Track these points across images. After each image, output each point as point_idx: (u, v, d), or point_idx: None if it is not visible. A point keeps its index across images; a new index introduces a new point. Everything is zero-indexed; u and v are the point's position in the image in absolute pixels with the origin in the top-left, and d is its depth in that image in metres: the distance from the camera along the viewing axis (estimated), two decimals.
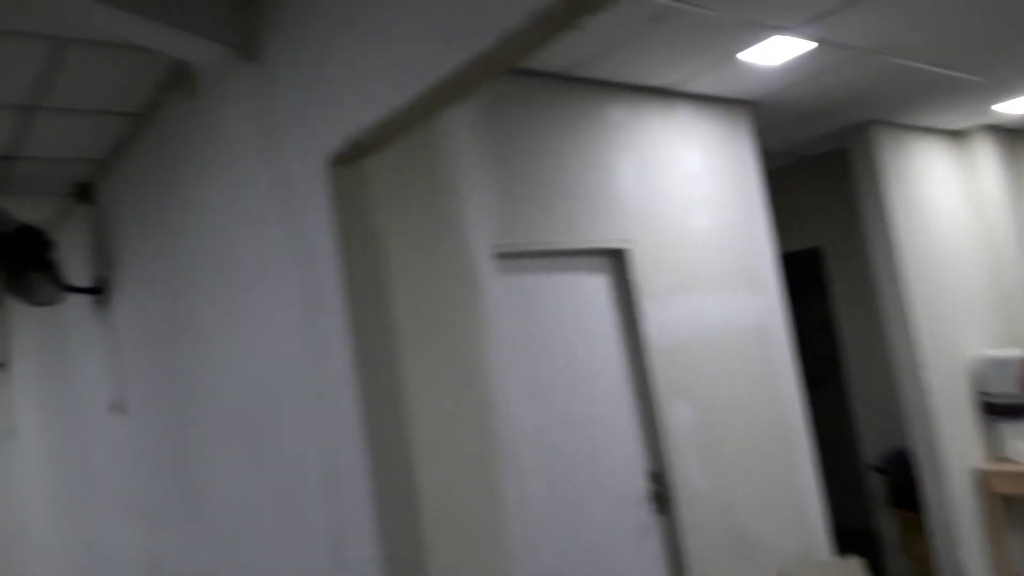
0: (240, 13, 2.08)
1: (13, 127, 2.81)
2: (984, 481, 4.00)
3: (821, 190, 5.01)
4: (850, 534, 4.44)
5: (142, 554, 3.42)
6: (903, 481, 4.32)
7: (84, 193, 3.60)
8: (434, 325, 2.16)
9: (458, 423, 2.15)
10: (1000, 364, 4.10)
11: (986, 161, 4.45)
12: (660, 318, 2.74)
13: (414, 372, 2.08)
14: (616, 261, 2.75)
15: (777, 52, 2.79)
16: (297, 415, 2.12)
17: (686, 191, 3.02)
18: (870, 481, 4.83)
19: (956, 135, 4.51)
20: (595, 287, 2.68)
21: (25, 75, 2.40)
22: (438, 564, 1.95)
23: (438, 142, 2.32)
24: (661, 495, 2.64)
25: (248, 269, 2.29)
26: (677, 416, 2.71)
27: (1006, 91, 3.76)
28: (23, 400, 5.89)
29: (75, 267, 3.70)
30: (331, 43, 1.83)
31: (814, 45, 2.77)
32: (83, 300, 3.71)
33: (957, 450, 3.93)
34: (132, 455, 3.47)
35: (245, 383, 2.40)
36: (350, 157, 1.89)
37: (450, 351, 2.18)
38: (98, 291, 3.58)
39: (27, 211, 3.58)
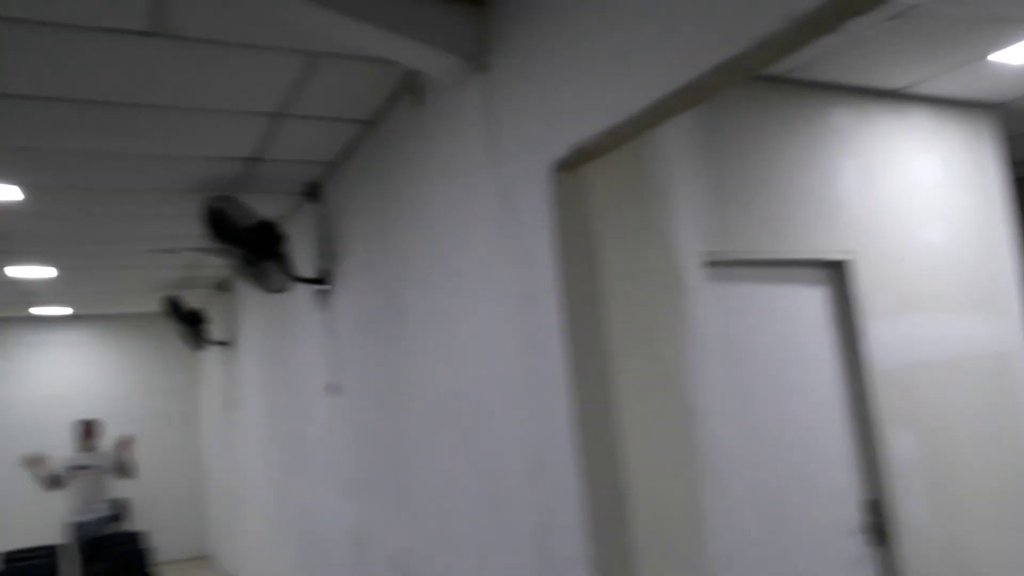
0: (472, 25, 2.18)
1: (263, 133, 3.15)
2: None
3: None
4: None
5: (348, 524, 3.71)
6: None
7: (312, 192, 3.97)
8: (640, 331, 2.14)
9: (661, 430, 2.12)
10: None
11: None
12: (884, 338, 2.55)
13: (621, 376, 2.08)
14: (835, 273, 2.59)
15: None
16: (505, 408, 2.20)
17: (917, 200, 2.77)
18: None
19: None
20: (810, 300, 2.54)
21: (280, 85, 2.68)
22: (643, 568, 1.94)
23: (648, 145, 2.30)
24: (878, 527, 2.45)
25: (464, 268, 2.41)
26: (900, 445, 2.50)
27: None
28: (246, 375, 6.59)
29: (301, 259, 4.07)
30: (561, 52, 1.87)
31: None
32: (306, 289, 4.09)
33: None
34: (344, 433, 3.77)
35: (455, 374, 2.53)
36: (573, 163, 1.92)
37: (655, 358, 2.16)
38: (321, 282, 3.92)
39: (263, 207, 4.00)
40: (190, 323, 6.66)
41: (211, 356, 7.89)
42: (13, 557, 5.91)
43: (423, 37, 2.09)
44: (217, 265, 6.22)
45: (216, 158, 3.47)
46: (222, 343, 7.03)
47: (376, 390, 3.36)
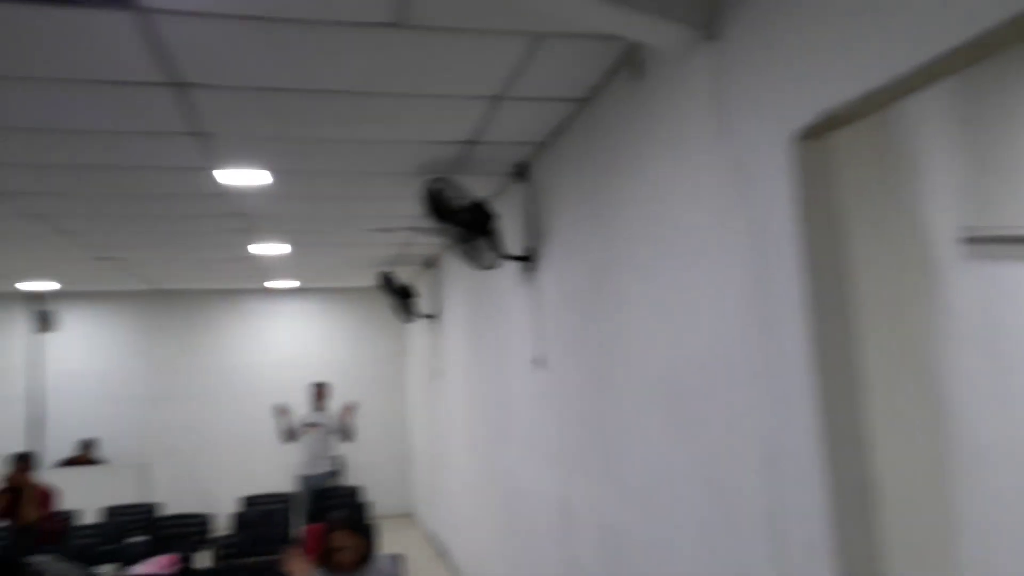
0: None
1: (481, 116, 3.27)
2: None
3: None
4: None
5: (554, 495, 3.81)
6: None
7: (521, 172, 4.08)
8: (888, 314, 1.98)
9: (910, 422, 1.95)
10: None
11: None
12: None
13: (867, 362, 1.93)
14: None
15: None
16: (732, 390, 2.13)
17: None
18: None
19: None
20: None
21: (502, 68, 2.76)
22: (890, 564, 1.81)
23: (898, 110, 2.10)
24: None
25: (685, 245, 2.36)
26: None
27: None
28: (449, 347, 6.97)
29: (508, 237, 4.21)
30: (808, 12, 1.75)
31: None
32: (512, 266, 4.22)
33: None
34: (548, 406, 3.87)
35: (671, 354, 2.49)
36: (819, 131, 1.80)
37: (905, 344, 1.99)
38: (527, 259, 4.03)
39: (474, 188, 4.16)
40: (401, 297, 7.15)
41: (418, 328, 8.42)
42: (253, 501, 6.71)
43: (652, 9, 2.05)
44: (426, 243, 6.61)
45: (436, 142, 3.67)
46: (428, 316, 7.48)
47: (582, 365, 3.40)
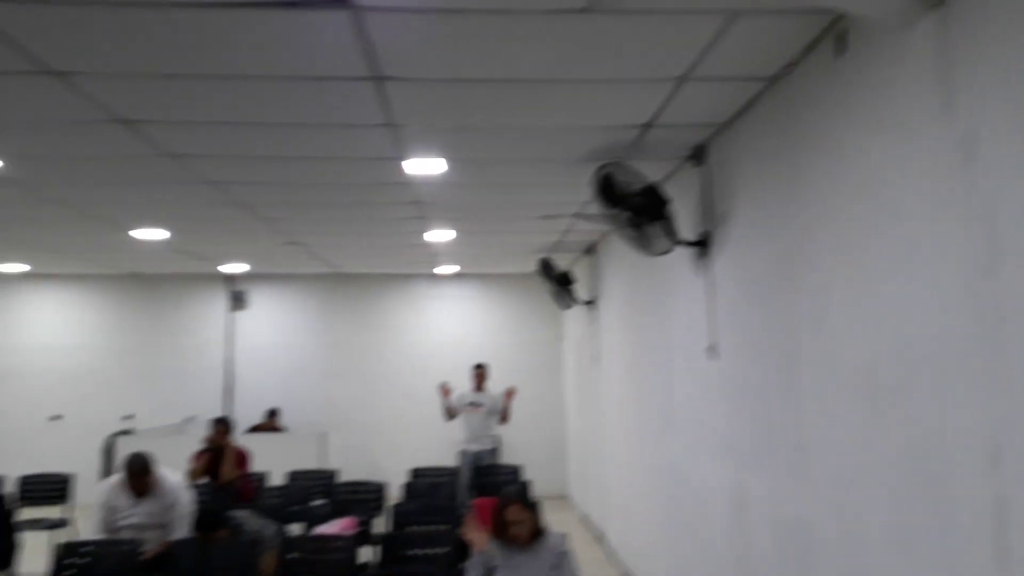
0: None
1: (663, 98, 3.24)
2: None
3: None
4: None
5: (725, 485, 3.73)
6: None
7: (698, 155, 3.99)
8: None
9: None
10: None
11: None
12: None
13: None
14: None
15: None
16: (948, 383, 1.99)
17: None
18: None
19: None
20: None
21: (691, 48, 2.72)
22: None
23: None
24: None
25: (900, 228, 2.21)
26: None
27: None
28: (607, 333, 6.97)
29: (680, 222, 4.14)
30: None
31: None
32: (683, 252, 4.15)
33: None
34: (720, 396, 3.79)
35: (873, 342, 2.36)
36: None
37: None
38: (701, 244, 3.95)
39: (646, 172, 4.12)
40: (560, 283, 7.24)
41: (575, 314, 8.49)
42: (418, 472, 7.06)
43: None
44: (587, 230, 6.65)
45: (613, 127, 3.67)
46: (587, 302, 7.52)
47: (761, 354, 3.30)
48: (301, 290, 10.05)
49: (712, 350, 3.86)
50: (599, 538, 7.34)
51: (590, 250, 7.62)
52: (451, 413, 7.78)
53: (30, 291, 9.79)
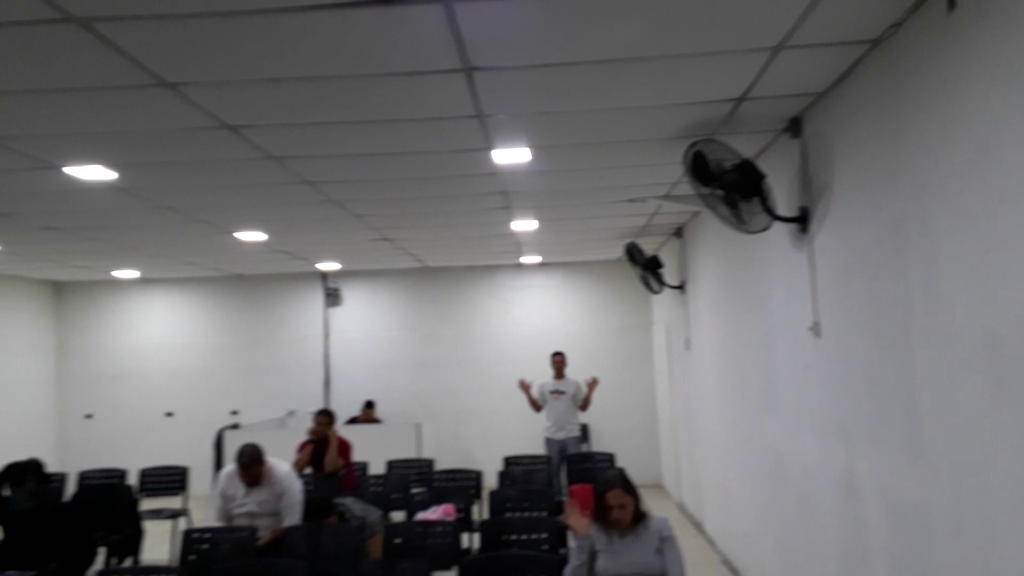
0: None
1: (757, 70, 3.14)
2: None
3: None
4: None
5: (832, 469, 3.61)
6: None
7: (793, 127, 3.86)
8: None
9: None
10: None
11: None
12: None
13: None
14: None
15: None
16: None
17: None
18: None
19: None
20: None
21: (787, 16, 2.63)
22: None
23: None
24: None
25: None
26: None
27: None
28: (698, 316, 6.85)
29: (776, 198, 4.02)
30: None
31: None
32: (780, 228, 4.02)
33: None
34: (826, 375, 3.66)
35: (999, 314, 2.23)
36: None
37: None
38: (800, 220, 3.83)
39: (738, 147, 4.02)
40: (648, 268, 7.15)
41: (664, 299, 8.37)
42: (511, 460, 7.14)
43: None
44: (674, 212, 6.54)
45: (702, 102, 3.60)
46: (676, 287, 7.40)
47: (869, 329, 3.17)
48: (391, 285, 10.31)
49: (816, 328, 3.74)
50: (697, 526, 7.24)
51: (678, 233, 7.50)
52: (536, 405, 7.85)
53: (142, 295, 10.42)
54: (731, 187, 3.70)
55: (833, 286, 3.55)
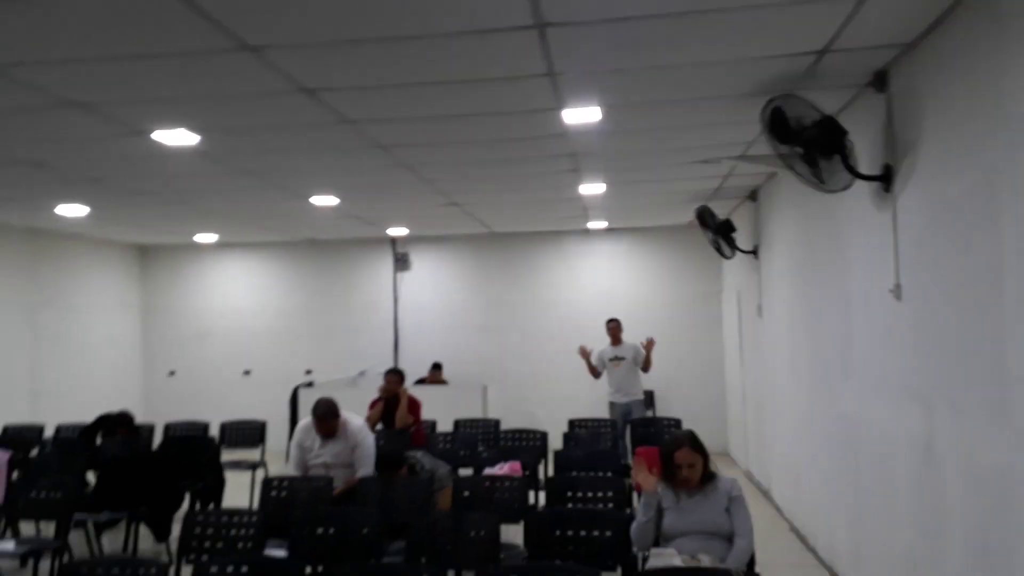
0: None
1: (842, 18, 3.01)
2: None
3: None
4: None
5: (912, 436, 3.51)
6: None
7: (878, 81, 3.70)
8: None
9: None
10: None
11: None
12: None
13: None
14: None
15: None
16: None
17: None
18: None
19: None
20: None
21: None
22: None
23: None
24: None
25: None
26: None
27: None
28: (772, 281, 6.70)
29: (858, 155, 3.87)
30: None
31: None
32: (861, 187, 3.88)
33: None
34: (908, 337, 3.54)
35: None
36: None
37: None
38: (883, 178, 3.68)
39: (820, 102, 3.88)
40: (720, 232, 7.01)
41: (736, 265, 8.21)
42: (575, 423, 7.19)
43: None
44: (748, 173, 6.38)
45: (782, 56, 3.48)
46: (749, 251, 7.25)
47: (955, 291, 3.05)
48: (458, 251, 10.42)
49: (897, 290, 3.62)
50: (764, 494, 7.17)
51: (752, 196, 7.31)
52: (595, 372, 7.90)
53: (221, 259, 10.84)
54: (811, 145, 3.60)
55: (917, 247, 3.42)
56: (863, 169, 3.72)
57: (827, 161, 3.61)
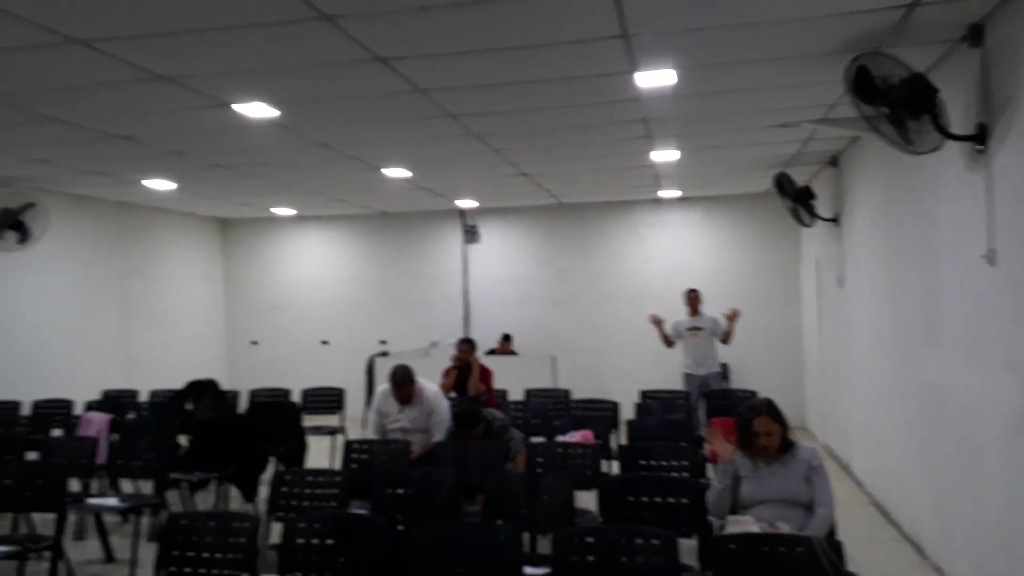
0: None
1: None
2: None
3: None
4: None
5: (1004, 406, 3.36)
6: None
7: (972, 35, 3.50)
8: None
9: None
10: None
11: None
12: None
13: None
14: None
15: None
16: None
17: None
18: None
19: None
20: None
21: None
22: None
23: None
24: None
25: None
26: None
27: None
28: (854, 250, 6.46)
29: (949, 115, 3.67)
30: None
31: None
32: (952, 149, 3.69)
33: None
34: (1000, 305, 3.38)
35: None
36: None
37: None
38: (977, 138, 3.49)
39: (908, 59, 3.70)
40: (799, 199, 6.79)
41: (815, 234, 7.96)
42: (647, 395, 7.15)
43: None
44: (830, 138, 6.15)
45: (866, 11, 3.33)
46: (830, 219, 7.00)
47: None
48: (526, 222, 10.43)
49: (991, 255, 3.44)
50: (844, 468, 6.99)
51: (833, 161, 7.04)
52: (668, 341, 7.79)
53: (298, 232, 11.16)
54: (898, 104, 3.43)
55: (1013, 209, 3.24)
56: (954, 129, 3.53)
57: (915, 122, 3.44)
